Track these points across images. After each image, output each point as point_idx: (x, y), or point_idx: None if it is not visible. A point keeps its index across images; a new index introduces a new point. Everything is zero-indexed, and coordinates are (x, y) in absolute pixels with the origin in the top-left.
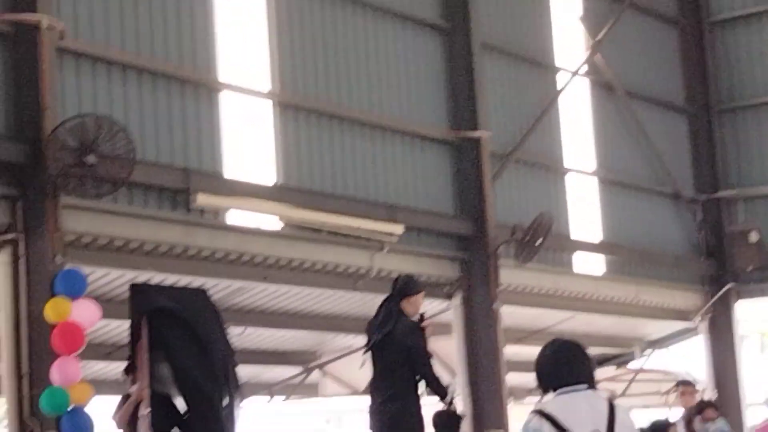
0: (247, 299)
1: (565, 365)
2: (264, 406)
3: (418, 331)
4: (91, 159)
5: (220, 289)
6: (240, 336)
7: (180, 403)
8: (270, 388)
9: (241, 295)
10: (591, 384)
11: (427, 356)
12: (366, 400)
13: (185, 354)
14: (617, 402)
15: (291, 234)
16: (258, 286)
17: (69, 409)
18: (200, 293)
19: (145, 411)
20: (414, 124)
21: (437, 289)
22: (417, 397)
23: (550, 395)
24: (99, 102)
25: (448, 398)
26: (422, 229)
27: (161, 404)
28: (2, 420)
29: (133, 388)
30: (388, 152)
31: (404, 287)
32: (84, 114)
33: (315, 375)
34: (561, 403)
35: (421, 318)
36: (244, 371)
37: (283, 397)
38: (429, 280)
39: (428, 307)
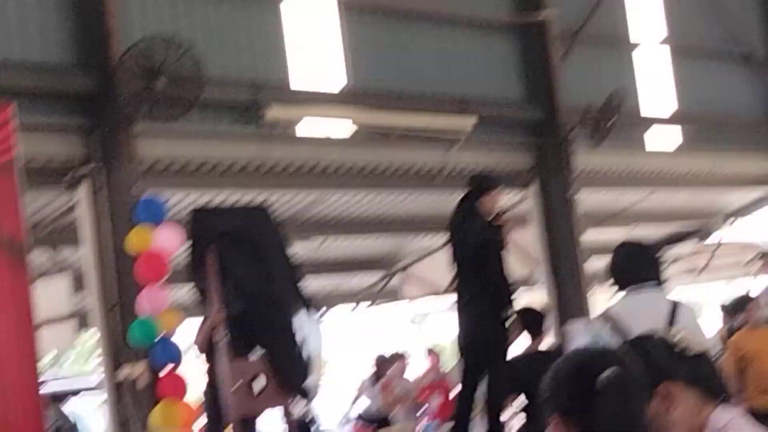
0: (325, 209)
1: (632, 265)
2: (349, 314)
3: (490, 229)
4: (162, 82)
5: (297, 201)
6: (320, 247)
7: (254, 325)
8: (354, 296)
9: (319, 205)
10: (658, 282)
11: (498, 256)
12: (449, 300)
13: (254, 275)
14: (682, 299)
15: (364, 138)
16: (334, 194)
17: (158, 338)
18: (260, 210)
19: (221, 335)
20: (478, 10)
21: (512, 179)
22: (496, 298)
23: (621, 294)
24: (164, 23)
25: (508, 311)
26: (494, 118)
27: (236, 327)
28: (94, 353)
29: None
30: (454, 43)
31: (479, 185)
32: (150, 36)
33: (397, 279)
34: (625, 303)
35: (498, 215)
36: (327, 281)
37: (368, 303)
38: (504, 170)
39: (504, 198)
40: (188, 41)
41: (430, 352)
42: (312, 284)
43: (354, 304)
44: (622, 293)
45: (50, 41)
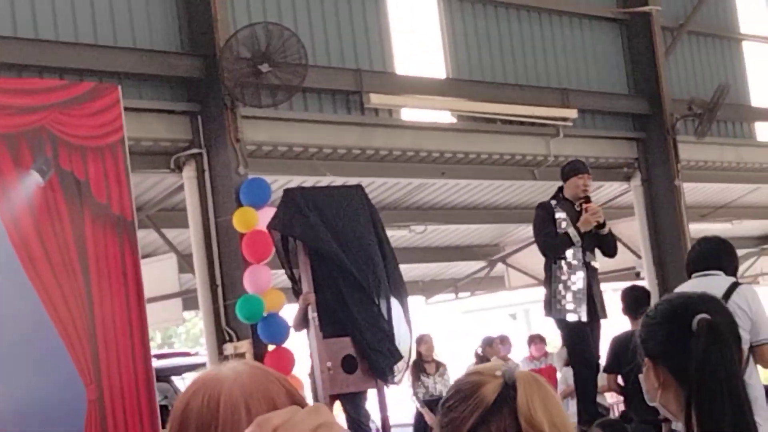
0: (426, 196)
1: (704, 255)
2: (449, 303)
3: (538, 210)
4: (265, 68)
5: (399, 188)
6: (422, 234)
7: (344, 308)
8: (455, 284)
9: (420, 192)
10: (726, 273)
11: (540, 237)
12: None
13: (344, 259)
14: (747, 285)
15: (466, 127)
16: (436, 182)
17: (263, 316)
18: (355, 190)
19: (312, 315)
20: (582, 3)
21: (615, 171)
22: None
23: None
24: (268, 10)
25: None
26: (597, 111)
27: (327, 310)
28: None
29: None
30: (558, 35)
31: (564, 171)
32: (254, 23)
33: (499, 268)
34: (686, 285)
35: (582, 201)
36: (429, 269)
37: (468, 292)
38: (606, 162)
39: (607, 189)
40: (292, 28)
41: (535, 338)
42: (413, 271)
43: (454, 293)
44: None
45: (157, 27)
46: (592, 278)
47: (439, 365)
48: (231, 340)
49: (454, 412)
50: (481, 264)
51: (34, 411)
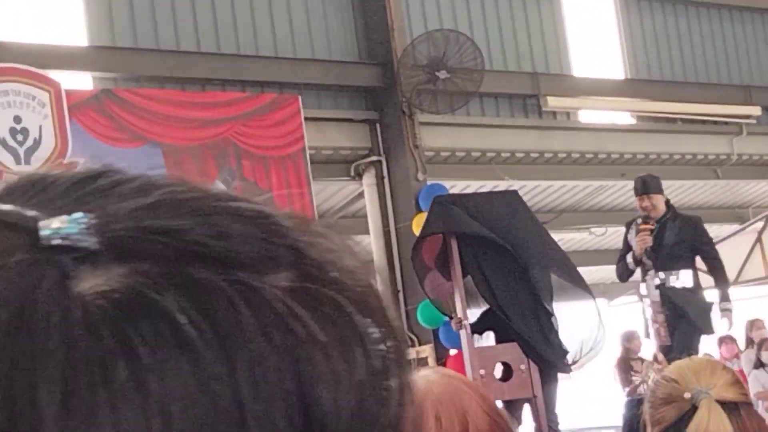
0: (606, 198)
1: None
2: (632, 305)
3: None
4: (443, 74)
5: (578, 190)
6: (602, 236)
7: (504, 315)
8: (637, 286)
9: (600, 194)
10: None
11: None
12: (734, 291)
13: (497, 271)
14: None
15: (645, 127)
16: (616, 183)
17: (445, 320)
18: (510, 196)
19: (464, 321)
20: None
21: None
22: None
23: None
24: (443, 17)
25: None
26: None
27: (483, 317)
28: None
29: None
30: (739, 31)
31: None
32: (431, 31)
33: None
34: None
35: (642, 220)
36: (610, 271)
37: None
38: None
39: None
40: (468, 33)
41: (726, 339)
42: (594, 274)
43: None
44: None
45: (336, 38)
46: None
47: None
48: (413, 345)
49: (656, 412)
50: None
51: None
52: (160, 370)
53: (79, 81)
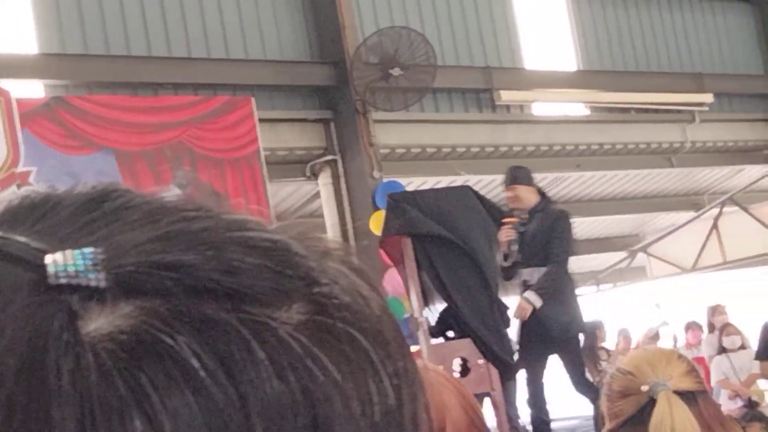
0: (562, 189)
1: None
2: (592, 295)
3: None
4: (396, 71)
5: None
6: None
7: (457, 311)
8: (596, 276)
9: (556, 186)
10: None
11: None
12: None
13: (451, 268)
14: None
15: (599, 118)
16: (572, 175)
17: (404, 318)
18: (462, 191)
19: (421, 318)
20: None
21: (754, 153)
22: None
23: None
24: (394, 14)
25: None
26: (732, 94)
27: (439, 315)
28: None
29: None
30: (689, 19)
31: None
32: (382, 28)
33: (640, 258)
34: None
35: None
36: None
37: (610, 284)
38: (746, 145)
39: (749, 173)
40: (419, 30)
41: (692, 325)
42: None
43: (596, 286)
44: None
45: (287, 38)
46: None
47: (608, 352)
48: None
49: (613, 405)
50: (621, 255)
51: None
52: (174, 418)
53: (30, 89)
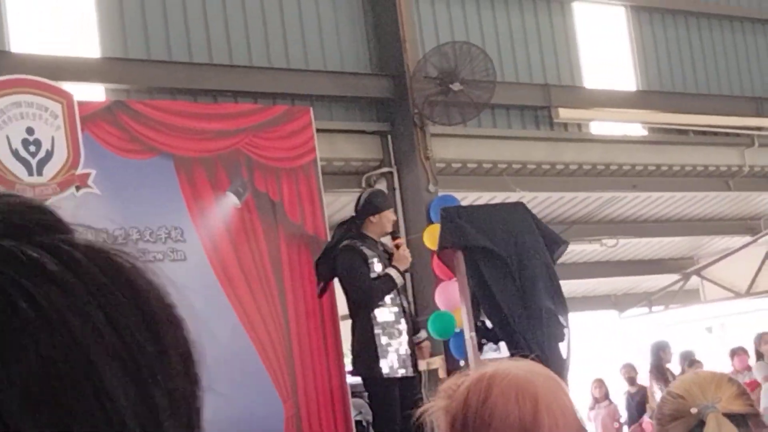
0: (618, 209)
1: None
2: (643, 317)
3: (349, 253)
4: (456, 86)
5: (589, 202)
6: (613, 247)
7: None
8: (648, 298)
9: (611, 206)
10: None
11: (361, 283)
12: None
13: (503, 284)
14: None
15: (657, 139)
16: (627, 195)
17: (456, 332)
18: (517, 207)
19: (470, 334)
20: None
21: None
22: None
23: None
24: (455, 29)
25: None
26: None
27: (488, 331)
28: None
29: None
30: (751, 43)
31: (371, 204)
32: (443, 43)
33: (694, 281)
34: None
35: (392, 236)
36: (621, 282)
37: (662, 306)
38: None
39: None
40: (480, 46)
41: (738, 351)
42: (605, 286)
43: (647, 308)
44: None
45: (347, 49)
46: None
47: (673, 375)
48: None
49: (663, 429)
50: (675, 277)
51: (236, 428)
52: None
53: (92, 92)
